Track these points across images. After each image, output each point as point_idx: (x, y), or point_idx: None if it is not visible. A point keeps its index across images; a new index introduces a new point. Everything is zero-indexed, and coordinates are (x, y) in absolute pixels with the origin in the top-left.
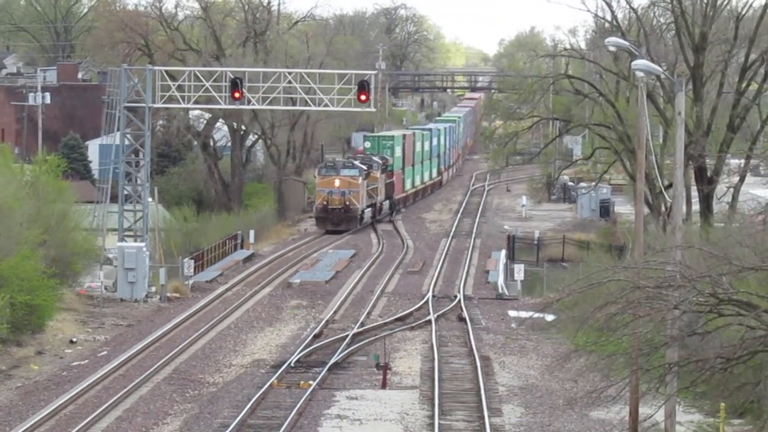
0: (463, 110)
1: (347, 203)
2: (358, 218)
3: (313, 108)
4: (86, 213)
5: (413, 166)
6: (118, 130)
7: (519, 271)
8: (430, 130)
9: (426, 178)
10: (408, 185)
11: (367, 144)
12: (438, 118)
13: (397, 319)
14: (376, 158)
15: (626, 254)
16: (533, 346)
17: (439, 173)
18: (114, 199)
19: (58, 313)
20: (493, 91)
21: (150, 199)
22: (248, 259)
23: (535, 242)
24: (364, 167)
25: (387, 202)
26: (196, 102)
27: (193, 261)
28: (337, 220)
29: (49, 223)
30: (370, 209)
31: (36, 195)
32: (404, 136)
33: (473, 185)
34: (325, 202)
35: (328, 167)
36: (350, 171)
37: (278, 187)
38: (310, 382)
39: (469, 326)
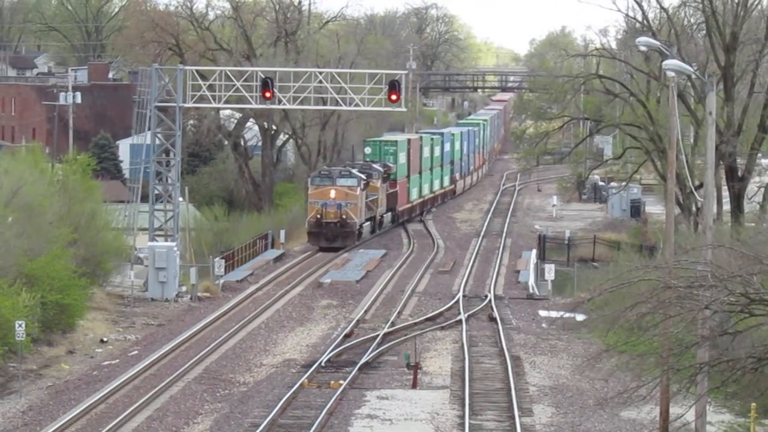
0: (491, 113)
1: (343, 217)
2: (356, 234)
3: (343, 108)
4: (117, 212)
5: (420, 173)
6: (148, 129)
7: (549, 271)
8: (441, 134)
9: (436, 186)
10: (414, 195)
11: (368, 149)
12: (460, 121)
13: (428, 319)
14: (376, 166)
15: (657, 254)
16: (564, 346)
17: (453, 182)
18: (145, 198)
19: (88, 312)
20: (523, 90)
21: (181, 199)
22: (279, 259)
23: (566, 242)
24: (363, 176)
25: (389, 214)
26: (227, 102)
27: (223, 260)
28: (332, 236)
29: (80, 222)
30: (369, 223)
31: (66, 194)
32: (409, 140)
33: (504, 185)
34: (318, 216)
35: (323, 176)
36: (347, 180)
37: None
38: (341, 381)
39: (499, 326)
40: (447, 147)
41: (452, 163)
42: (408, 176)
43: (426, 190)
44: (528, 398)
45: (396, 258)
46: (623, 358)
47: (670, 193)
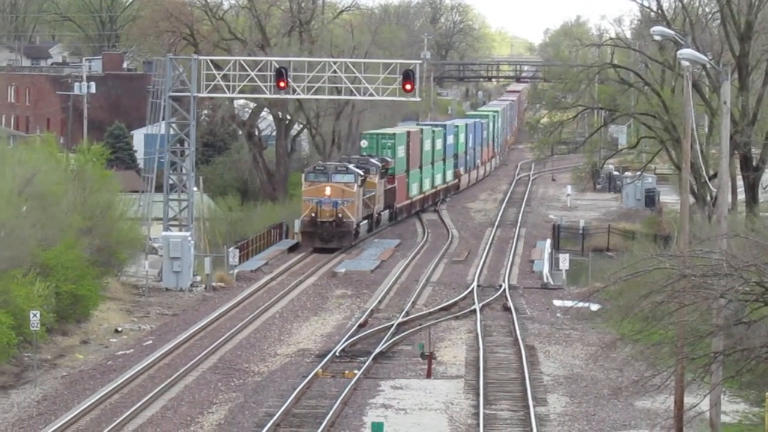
0: (503, 104)
1: (339, 215)
2: (353, 233)
3: (358, 97)
4: (131, 202)
5: (421, 168)
6: (163, 119)
7: (564, 261)
8: (444, 126)
9: (438, 181)
10: (414, 191)
11: (364, 142)
12: (468, 113)
13: (442, 309)
14: (374, 160)
15: (672, 244)
16: (578, 336)
17: (456, 176)
18: (159, 188)
19: (103, 302)
20: (538, 80)
21: (195, 189)
22: (293, 249)
23: (580, 232)
24: (360, 172)
25: (386, 211)
26: (241, 91)
27: (238, 250)
28: (327, 236)
29: (94, 212)
30: (366, 222)
31: (81, 184)
32: (408, 133)
33: (518, 175)
34: (313, 214)
35: (317, 172)
36: (344, 176)
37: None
38: (355, 371)
39: (514, 316)
40: (450, 140)
41: (456, 156)
42: (407, 171)
43: (427, 186)
44: (542, 388)
45: (410, 248)
46: (638, 348)
47: (685, 183)
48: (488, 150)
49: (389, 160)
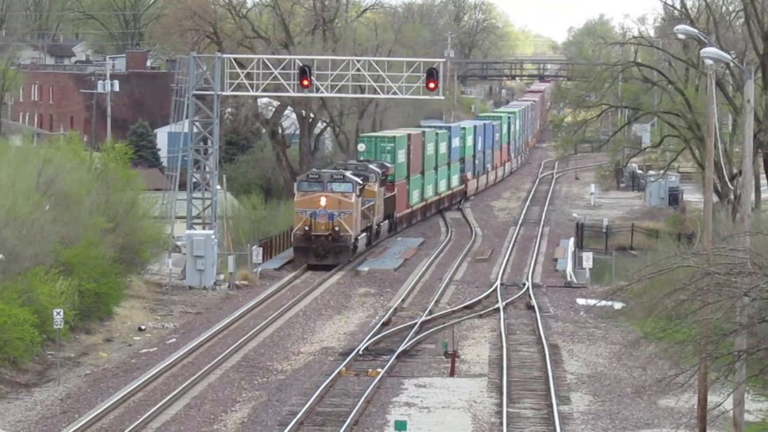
0: (522, 105)
1: (336, 229)
2: (351, 248)
3: (381, 96)
4: (155, 201)
5: (423, 173)
6: (186, 117)
7: (587, 259)
8: (448, 128)
9: (442, 188)
10: (415, 198)
11: (361, 146)
12: (480, 114)
13: (466, 307)
14: (373, 166)
15: (695, 242)
16: (602, 334)
17: (463, 181)
18: (182, 186)
19: (126, 300)
20: (561, 79)
21: (218, 187)
22: None
23: (604, 230)
24: (359, 180)
25: (386, 222)
26: (265, 90)
27: (261, 249)
28: (322, 252)
29: (118, 210)
30: (364, 234)
31: (105, 183)
32: (410, 136)
33: (541, 173)
34: (306, 227)
35: (312, 180)
36: (341, 185)
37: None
38: (379, 369)
39: (537, 314)
40: (456, 143)
41: (462, 160)
42: (408, 177)
43: (429, 192)
44: (566, 386)
45: (434, 246)
46: (661, 346)
47: (708, 181)
48: (502, 153)
49: (389, 165)
